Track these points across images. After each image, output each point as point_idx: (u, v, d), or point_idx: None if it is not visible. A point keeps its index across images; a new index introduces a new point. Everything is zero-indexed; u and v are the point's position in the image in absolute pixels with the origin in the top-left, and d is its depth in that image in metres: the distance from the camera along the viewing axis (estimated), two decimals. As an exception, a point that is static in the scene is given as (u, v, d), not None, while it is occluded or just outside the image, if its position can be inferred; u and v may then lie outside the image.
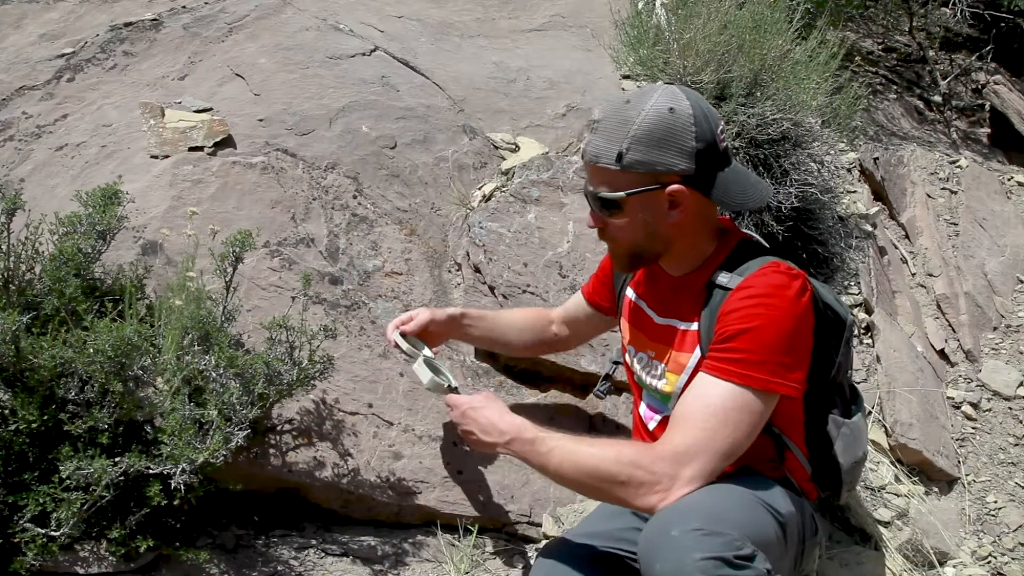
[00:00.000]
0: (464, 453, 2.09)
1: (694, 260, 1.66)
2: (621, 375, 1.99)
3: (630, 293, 1.84)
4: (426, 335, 1.96)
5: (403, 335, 1.92)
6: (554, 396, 2.25)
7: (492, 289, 2.33)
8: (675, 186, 1.54)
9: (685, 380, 1.64)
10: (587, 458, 1.51)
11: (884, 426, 2.70)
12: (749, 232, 1.75)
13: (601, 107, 1.63)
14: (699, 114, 1.53)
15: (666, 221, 1.58)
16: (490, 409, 1.69)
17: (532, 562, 1.94)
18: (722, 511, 1.42)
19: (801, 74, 2.94)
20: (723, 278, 1.59)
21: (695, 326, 1.63)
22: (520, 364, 2.27)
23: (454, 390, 1.86)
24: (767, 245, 1.72)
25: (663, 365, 1.71)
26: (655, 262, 1.71)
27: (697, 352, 1.62)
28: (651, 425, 1.78)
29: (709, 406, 1.48)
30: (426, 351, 1.91)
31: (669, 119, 1.52)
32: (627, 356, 1.84)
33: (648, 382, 1.75)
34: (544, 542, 2.03)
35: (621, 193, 1.56)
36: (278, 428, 1.93)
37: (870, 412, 2.71)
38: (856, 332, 1.82)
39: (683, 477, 1.45)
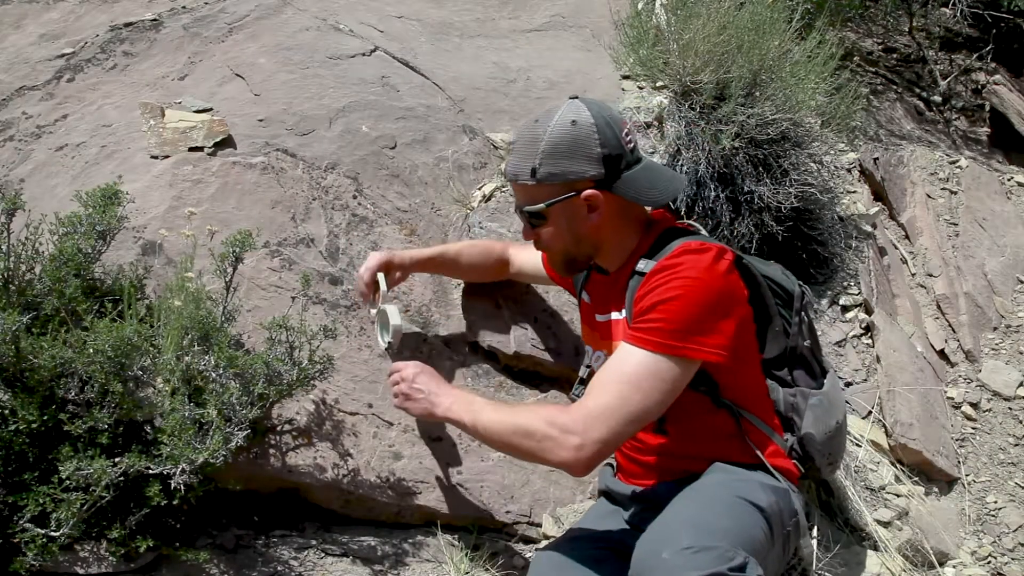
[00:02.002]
0: (464, 453, 2.09)
1: (622, 255, 1.76)
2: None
3: (585, 296, 1.93)
4: (391, 277, 2.09)
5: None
6: (554, 396, 2.26)
7: (492, 289, 2.33)
8: (589, 191, 1.67)
9: None
10: (511, 415, 1.65)
11: (884, 426, 2.70)
12: (687, 221, 1.84)
13: (515, 129, 1.75)
14: (601, 122, 1.66)
15: (588, 224, 1.71)
16: (429, 375, 1.81)
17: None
18: (709, 521, 1.45)
19: (800, 74, 2.94)
20: (641, 265, 1.69)
21: (623, 314, 1.72)
22: (520, 364, 2.27)
23: (390, 346, 2.01)
24: (696, 228, 1.82)
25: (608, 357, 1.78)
26: (589, 263, 1.83)
27: None
28: None
29: (623, 372, 1.58)
30: (390, 307, 2.02)
31: (573, 131, 1.64)
32: (591, 358, 1.92)
33: None
34: (544, 542, 2.03)
35: (542, 205, 1.69)
36: (278, 428, 1.93)
37: (870, 412, 2.71)
38: (813, 304, 1.91)
39: (592, 437, 1.54)
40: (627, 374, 1.57)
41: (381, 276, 2.03)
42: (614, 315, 1.78)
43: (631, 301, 1.67)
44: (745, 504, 1.55)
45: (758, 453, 1.70)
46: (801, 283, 1.91)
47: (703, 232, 1.82)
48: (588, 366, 2.04)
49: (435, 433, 2.09)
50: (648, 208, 1.80)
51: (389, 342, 2.01)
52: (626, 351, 1.60)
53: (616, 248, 1.76)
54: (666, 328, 1.55)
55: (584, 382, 2.07)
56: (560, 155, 1.65)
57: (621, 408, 1.55)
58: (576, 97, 1.71)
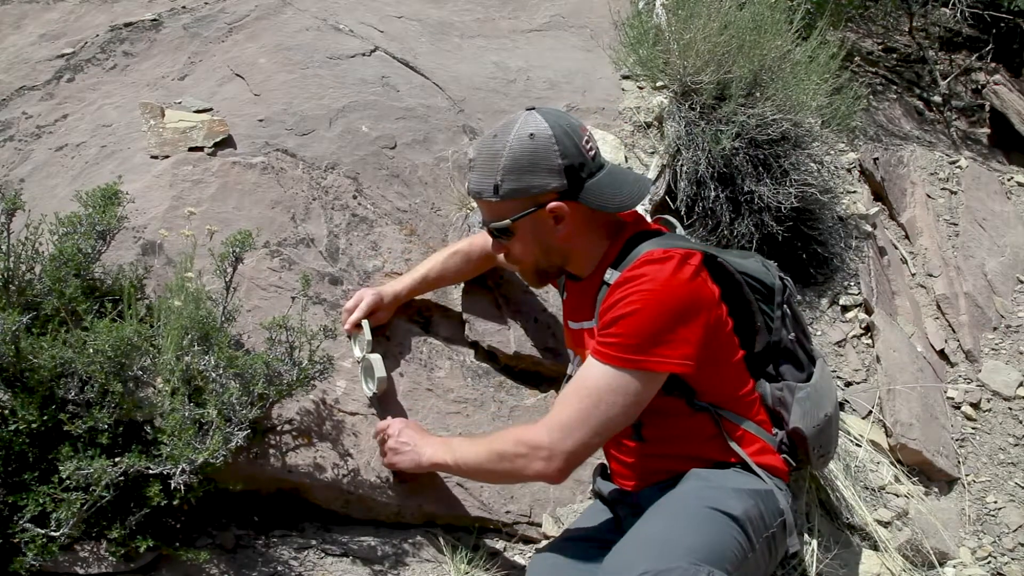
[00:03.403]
0: (464, 453, 2.09)
1: (592, 262, 1.76)
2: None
3: (565, 295, 1.93)
4: (375, 316, 2.09)
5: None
6: (554, 396, 2.26)
7: (492, 289, 2.33)
8: (553, 203, 1.66)
9: None
10: (484, 444, 1.71)
11: (884, 426, 2.70)
12: (661, 220, 1.86)
13: (474, 145, 1.76)
14: (559, 132, 1.65)
15: (556, 236, 1.71)
16: (413, 428, 1.91)
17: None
18: (671, 539, 1.46)
19: (801, 75, 2.94)
20: (608, 275, 1.69)
21: (594, 323, 1.72)
22: (520, 364, 2.27)
23: (375, 396, 2.05)
24: (668, 226, 1.82)
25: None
26: (560, 274, 1.85)
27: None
28: None
29: (586, 387, 1.61)
30: (368, 352, 2.04)
31: (531, 144, 1.63)
32: (572, 363, 1.93)
33: None
34: (543, 543, 2.04)
35: (507, 220, 1.70)
36: (278, 428, 1.93)
37: (870, 412, 2.71)
38: (795, 294, 1.91)
39: (560, 449, 1.60)
40: (589, 388, 1.61)
41: (366, 323, 2.03)
42: (586, 324, 1.78)
43: (598, 313, 1.67)
44: (715, 515, 1.55)
45: (741, 452, 1.70)
46: (782, 275, 1.89)
47: (677, 230, 1.82)
48: (573, 364, 2.06)
49: (436, 433, 2.09)
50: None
51: (374, 392, 2.02)
52: (590, 364, 1.63)
53: (586, 256, 1.76)
54: (625, 343, 1.57)
55: None
56: (521, 170, 1.64)
57: (584, 421, 1.59)
58: (533, 108, 1.69)
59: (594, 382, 1.60)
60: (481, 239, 2.20)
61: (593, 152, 1.69)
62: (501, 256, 2.07)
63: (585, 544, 1.75)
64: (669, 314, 1.57)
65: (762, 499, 1.64)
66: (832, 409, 1.89)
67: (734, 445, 1.70)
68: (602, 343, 1.61)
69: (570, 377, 2.05)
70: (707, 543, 1.47)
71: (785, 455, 1.79)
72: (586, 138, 1.68)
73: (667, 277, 1.58)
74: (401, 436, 1.87)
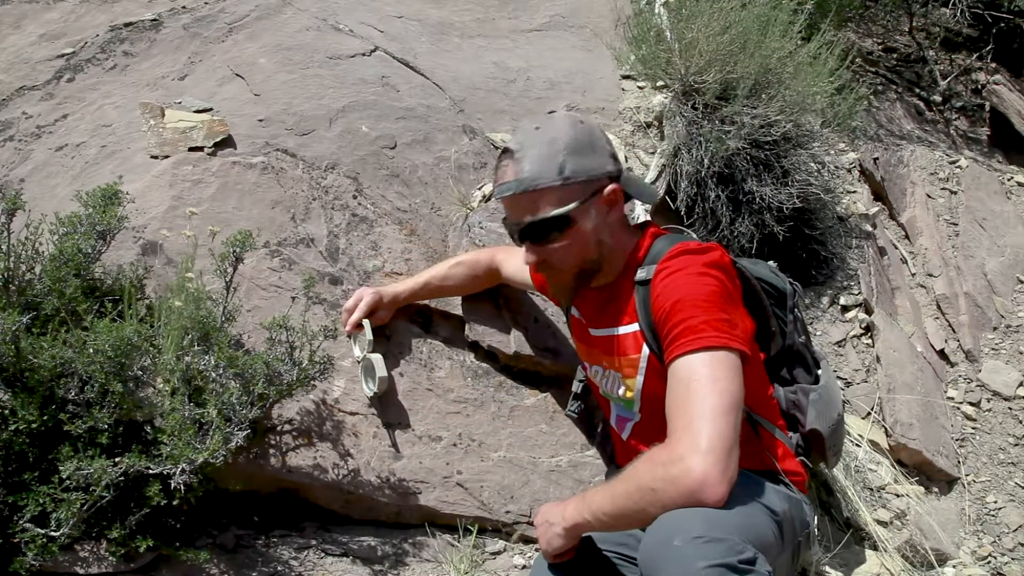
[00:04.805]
0: (464, 453, 2.09)
1: (620, 263, 1.71)
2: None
3: (575, 311, 1.88)
4: (374, 316, 2.07)
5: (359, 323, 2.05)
6: (554, 397, 2.25)
7: (492, 290, 2.33)
8: (612, 186, 1.63)
9: (642, 380, 1.68)
10: (622, 483, 1.48)
11: (884, 426, 2.70)
12: (670, 225, 1.83)
13: (512, 139, 1.67)
14: (597, 124, 1.65)
15: (608, 225, 1.66)
16: (548, 507, 1.66)
17: (531, 562, 1.94)
18: (721, 516, 1.42)
19: (804, 75, 2.94)
20: (642, 273, 1.64)
21: (635, 327, 1.66)
22: (520, 364, 2.27)
23: (375, 395, 2.02)
24: (683, 229, 1.79)
25: (617, 374, 1.75)
26: (591, 278, 1.73)
27: (646, 350, 1.65)
28: (624, 435, 1.82)
29: (689, 381, 1.45)
30: (369, 352, 2.03)
31: (584, 128, 1.62)
32: (588, 372, 1.89)
33: (611, 392, 1.80)
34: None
35: (571, 205, 1.60)
36: (278, 428, 1.93)
37: (870, 412, 2.71)
38: (802, 298, 1.92)
39: (701, 446, 1.37)
40: (692, 379, 1.45)
41: (367, 322, 2.03)
42: (621, 329, 1.70)
43: (647, 313, 1.60)
44: (759, 506, 1.54)
45: (772, 460, 1.69)
46: (791, 280, 1.91)
47: (691, 233, 1.81)
48: (582, 380, 2.04)
49: (435, 433, 2.09)
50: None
51: (374, 392, 2.02)
52: (675, 366, 1.49)
53: (618, 254, 1.71)
54: (694, 323, 1.48)
55: (578, 397, 2.06)
56: (582, 151, 1.59)
57: (708, 406, 1.41)
58: (553, 111, 1.69)
59: (691, 372, 1.45)
60: (487, 255, 2.18)
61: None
62: (527, 267, 1.88)
63: (592, 543, 1.75)
64: (721, 296, 1.52)
65: (794, 507, 1.65)
66: (841, 409, 1.91)
67: (765, 451, 1.70)
68: (672, 339, 1.50)
69: (577, 395, 2.04)
70: (753, 528, 1.45)
71: (801, 458, 1.80)
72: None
73: (706, 263, 1.56)
74: (539, 517, 1.66)
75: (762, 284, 1.80)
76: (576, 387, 2.06)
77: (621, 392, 1.74)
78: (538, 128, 1.62)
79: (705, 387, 1.43)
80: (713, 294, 1.51)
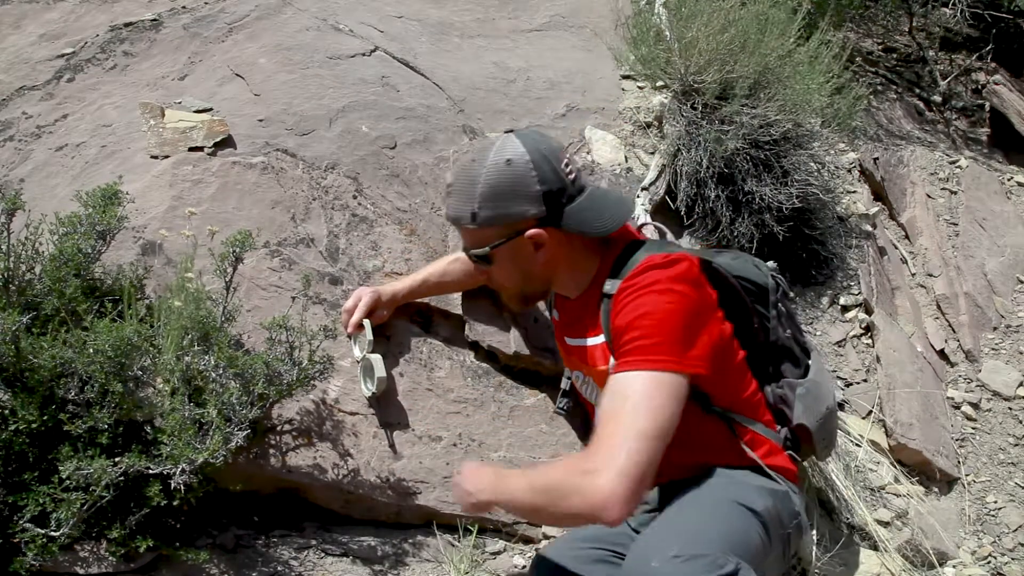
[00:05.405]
0: (464, 453, 2.09)
1: (583, 281, 1.73)
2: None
3: (555, 314, 1.91)
4: (374, 315, 2.07)
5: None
6: (554, 396, 2.25)
7: (491, 289, 2.33)
8: (532, 231, 1.63)
9: None
10: (540, 478, 1.50)
11: (884, 426, 2.70)
12: (648, 228, 1.81)
13: (452, 170, 1.70)
14: (537, 157, 1.60)
15: (536, 262, 1.67)
16: (470, 472, 1.65)
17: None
18: (700, 529, 1.44)
19: (804, 75, 2.94)
20: (608, 286, 1.65)
21: (602, 339, 1.68)
22: (520, 364, 2.27)
23: (374, 395, 2.02)
24: (664, 231, 1.80)
25: (593, 381, 1.79)
26: (545, 296, 1.83)
27: (613, 361, 1.63)
28: None
29: (625, 397, 1.47)
30: (369, 352, 2.02)
31: (508, 171, 1.60)
32: (571, 376, 1.91)
33: (589, 398, 1.85)
34: (544, 543, 2.04)
35: (486, 248, 1.67)
36: (278, 428, 1.93)
37: (870, 412, 2.71)
38: (787, 291, 1.91)
39: (617, 467, 1.38)
40: (628, 398, 1.47)
41: (367, 322, 2.02)
42: (590, 340, 1.73)
43: (608, 326, 1.63)
44: (739, 508, 1.55)
45: (753, 456, 1.69)
46: (774, 273, 1.89)
47: (667, 236, 1.81)
48: (568, 378, 2.04)
49: (435, 433, 2.09)
50: None
51: (374, 392, 2.01)
52: (617, 379, 1.51)
53: (572, 278, 1.73)
54: (646, 344, 1.49)
55: (567, 394, 2.07)
56: (499, 197, 1.60)
57: (635, 429, 1.43)
58: (511, 131, 1.66)
59: (630, 390, 1.48)
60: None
61: (573, 176, 1.65)
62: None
63: (586, 544, 1.76)
64: (683, 315, 1.53)
65: (779, 499, 1.65)
66: (832, 402, 1.90)
67: (746, 448, 1.70)
68: (623, 353, 1.53)
69: (565, 392, 2.05)
70: (735, 535, 1.46)
71: (790, 451, 1.80)
72: (565, 161, 1.64)
73: (675, 278, 1.55)
74: (459, 476, 1.66)
75: (742, 281, 1.79)
76: (564, 384, 2.07)
77: (597, 398, 1.76)
78: (473, 162, 1.65)
79: (640, 407, 1.45)
80: (673, 312, 1.52)
